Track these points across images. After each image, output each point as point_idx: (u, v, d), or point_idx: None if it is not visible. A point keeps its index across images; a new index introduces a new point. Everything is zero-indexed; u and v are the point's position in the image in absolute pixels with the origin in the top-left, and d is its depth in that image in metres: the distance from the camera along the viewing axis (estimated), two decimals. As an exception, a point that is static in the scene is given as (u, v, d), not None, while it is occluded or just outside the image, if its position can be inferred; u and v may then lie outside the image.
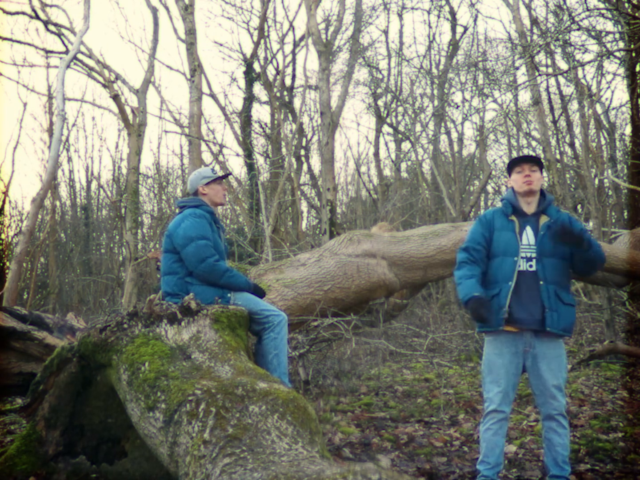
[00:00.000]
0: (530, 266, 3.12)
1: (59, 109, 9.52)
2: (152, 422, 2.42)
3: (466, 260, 3.20)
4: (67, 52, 12.03)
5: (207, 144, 16.06)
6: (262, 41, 16.24)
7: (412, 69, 18.05)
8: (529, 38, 13.47)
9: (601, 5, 9.58)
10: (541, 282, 3.08)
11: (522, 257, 3.13)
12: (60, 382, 3.17)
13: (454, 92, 17.35)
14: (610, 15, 9.38)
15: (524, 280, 3.10)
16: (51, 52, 14.46)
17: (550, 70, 14.30)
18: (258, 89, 16.55)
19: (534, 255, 3.13)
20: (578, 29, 9.17)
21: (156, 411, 2.42)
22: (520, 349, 3.11)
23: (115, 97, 12.42)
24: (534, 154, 3.37)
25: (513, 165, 3.29)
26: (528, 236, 3.18)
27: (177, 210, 3.93)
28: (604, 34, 10.04)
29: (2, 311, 4.08)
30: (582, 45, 10.76)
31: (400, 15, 18.06)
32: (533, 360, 3.10)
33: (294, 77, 17.32)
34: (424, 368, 7.41)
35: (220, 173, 3.95)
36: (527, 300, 3.08)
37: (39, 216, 15.54)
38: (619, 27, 9.72)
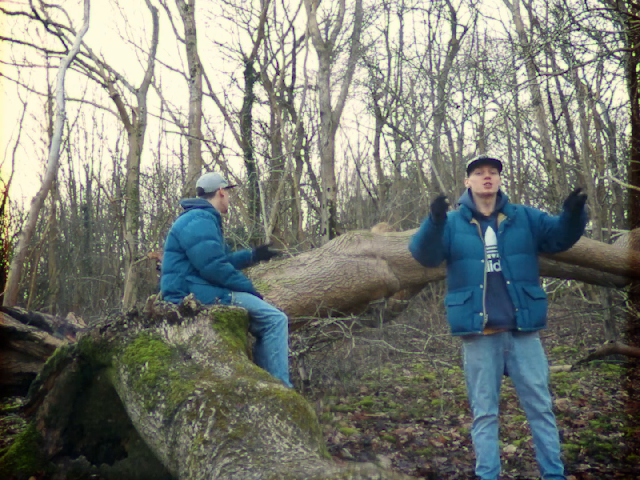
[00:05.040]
0: (497, 267, 3.14)
1: (59, 109, 9.52)
2: (152, 422, 2.42)
3: None
4: (67, 52, 12.04)
5: (207, 144, 16.07)
6: (262, 41, 16.25)
7: (412, 69, 18.08)
8: (529, 38, 13.48)
9: (601, 5, 9.58)
10: (508, 282, 3.10)
11: (488, 259, 3.15)
12: (60, 382, 3.17)
13: (454, 92, 17.38)
14: (610, 15, 9.37)
15: (493, 282, 3.12)
16: (51, 52, 14.48)
17: (550, 70, 14.31)
18: (258, 89, 16.58)
19: (497, 255, 3.15)
20: (578, 29, 9.17)
21: (156, 411, 2.42)
22: (500, 351, 3.12)
23: (115, 97, 12.42)
24: (494, 156, 3.38)
25: (473, 166, 3.29)
26: (489, 237, 3.20)
27: (178, 211, 3.93)
28: (604, 34, 10.03)
29: (2, 311, 4.08)
30: (582, 45, 10.75)
31: (400, 15, 18.09)
32: (513, 361, 3.11)
33: (294, 77, 17.34)
34: (424, 368, 7.41)
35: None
36: (499, 300, 3.09)
37: (39, 216, 15.55)
38: (619, 27, 9.72)
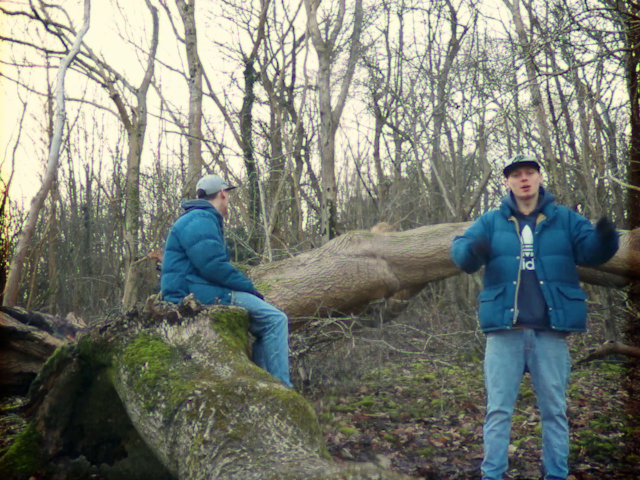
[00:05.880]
0: (530, 265, 3.13)
1: (59, 109, 9.52)
2: (152, 422, 2.42)
3: (462, 238, 3.30)
4: (67, 52, 12.03)
5: (207, 144, 16.07)
6: (262, 41, 16.24)
7: (412, 69, 18.07)
8: (529, 38, 13.47)
9: (601, 5, 9.58)
10: (541, 282, 3.08)
11: (522, 257, 3.14)
12: (60, 382, 3.17)
13: (454, 92, 17.36)
14: (610, 15, 9.38)
15: (525, 280, 3.11)
16: (51, 52, 14.47)
17: (550, 70, 14.30)
18: (258, 89, 16.57)
19: (532, 254, 3.14)
20: (578, 29, 9.16)
21: (156, 411, 2.42)
22: (521, 348, 3.10)
23: (115, 97, 12.42)
24: (529, 158, 3.35)
25: (509, 169, 3.29)
26: (526, 236, 3.19)
27: (178, 211, 3.94)
28: (604, 34, 10.04)
29: (2, 311, 4.08)
30: (582, 45, 10.75)
31: (400, 15, 18.08)
32: (534, 360, 3.10)
33: (294, 77, 17.33)
34: (424, 368, 7.41)
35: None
36: (528, 299, 3.08)
37: (39, 216, 15.55)
38: (619, 27, 9.72)
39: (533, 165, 3.25)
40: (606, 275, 6.11)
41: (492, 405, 3.13)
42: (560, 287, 3.07)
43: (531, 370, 3.14)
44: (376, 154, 18.62)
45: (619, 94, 34.13)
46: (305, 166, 17.82)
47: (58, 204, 19.71)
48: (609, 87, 18.43)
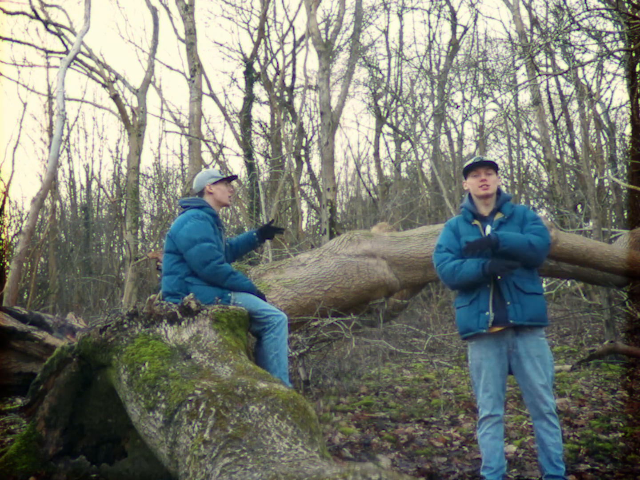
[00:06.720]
0: None
1: (59, 109, 9.52)
2: (152, 422, 2.42)
3: (450, 257, 3.26)
4: (67, 52, 12.04)
5: (207, 144, 16.07)
6: (262, 41, 16.26)
7: (412, 69, 18.09)
8: (529, 38, 13.49)
9: (601, 5, 9.59)
10: (498, 277, 3.11)
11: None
12: (60, 382, 3.17)
13: (454, 92, 17.37)
14: (610, 15, 9.38)
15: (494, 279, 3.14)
16: (51, 52, 14.50)
17: (550, 70, 14.31)
18: (258, 89, 16.59)
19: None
20: (578, 29, 9.17)
21: (156, 411, 2.42)
22: (504, 350, 3.13)
23: (115, 97, 12.43)
24: (488, 158, 3.44)
25: (469, 169, 3.32)
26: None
27: (177, 211, 3.95)
28: (604, 34, 10.04)
29: (2, 311, 4.07)
30: (582, 45, 10.76)
31: (400, 15, 18.09)
32: (517, 361, 3.12)
33: (294, 77, 17.34)
34: (424, 368, 7.41)
35: (227, 174, 3.96)
36: (497, 297, 3.11)
37: (39, 216, 15.55)
38: (619, 27, 9.72)
39: (492, 166, 3.29)
40: (606, 275, 6.12)
41: (484, 410, 3.14)
42: (517, 281, 3.10)
43: (515, 371, 3.14)
44: (376, 154, 18.63)
45: (619, 94, 34.15)
46: (305, 166, 17.83)
47: (58, 204, 19.72)
48: (609, 87, 18.41)
